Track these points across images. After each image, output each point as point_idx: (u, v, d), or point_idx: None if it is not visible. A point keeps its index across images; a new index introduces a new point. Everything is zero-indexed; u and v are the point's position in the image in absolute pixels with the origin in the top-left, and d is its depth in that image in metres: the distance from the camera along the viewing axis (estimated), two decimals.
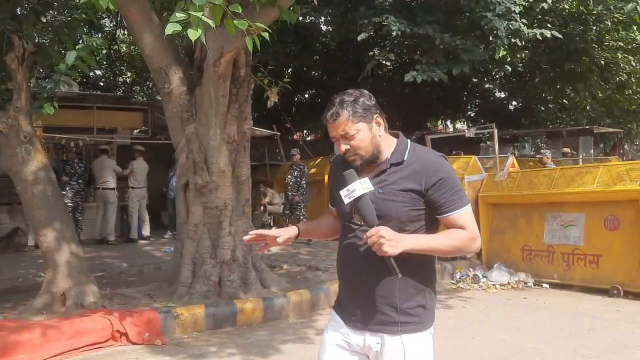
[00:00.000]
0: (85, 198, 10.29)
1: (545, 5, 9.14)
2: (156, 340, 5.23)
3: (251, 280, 6.33)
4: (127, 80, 14.39)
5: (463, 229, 1.99)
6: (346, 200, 1.99)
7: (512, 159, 8.95)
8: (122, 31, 12.96)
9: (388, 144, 2.08)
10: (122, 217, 10.89)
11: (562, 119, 15.76)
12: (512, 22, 9.08)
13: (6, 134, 5.69)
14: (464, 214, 2.00)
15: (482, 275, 7.75)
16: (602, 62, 10.14)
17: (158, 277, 7.33)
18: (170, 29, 3.63)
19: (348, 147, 2.02)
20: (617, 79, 10.87)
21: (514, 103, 16.55)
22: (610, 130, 13.02)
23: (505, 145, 18.03)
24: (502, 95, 17.28)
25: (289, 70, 13.56)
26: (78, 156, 10.40)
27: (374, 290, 2.02)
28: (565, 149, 14.48)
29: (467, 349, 4.94)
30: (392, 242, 1.86)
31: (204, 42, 3.76)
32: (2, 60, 5.65)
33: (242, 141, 6.20)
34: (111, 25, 12.22)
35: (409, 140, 2.11)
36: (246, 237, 2.20)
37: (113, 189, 10.10)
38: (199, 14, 3.53)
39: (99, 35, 6.57)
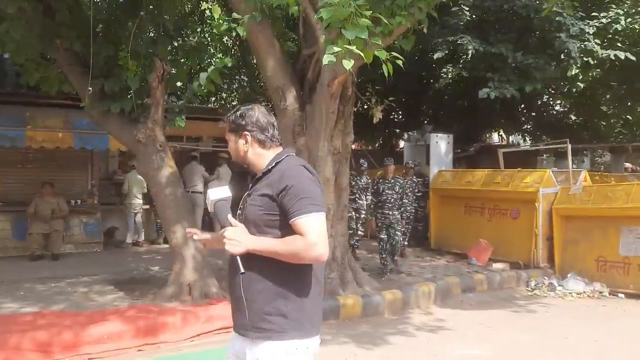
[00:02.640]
0: None
1: (619, 27, 9.51)
2: None
3: (348, 279, 6.95)
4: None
5: (302, 236, 1.99)
6: (209, 209, 2.18)
7: (585, 173, 9.32)
8: None
9: (267, 157, 2.21)
10: (203, 219, 11.68)
11: (623, 134, 15.86)
12: (585, 42, 9.48)
13: (144, 143, 6.52)
14: (306, 221, 1.98)
15: (558, 284, 8.15)
16: None
17: None
18: (327, 59, 4.33)
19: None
20: None
21: (573, 117, 16.69)
22: None
23: (564, 159, 18.19)
24: (560, 109, 17.44)
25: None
26: None
27: (239, 293, 2.07)
28: (627, 164, 14.66)
29: (565, 347, 5.42)
30: (234, 241, 1.99)
31: (351, 71, 4.37)
32: (142, 78, 6.47)
33: (345, 153, 6.87)
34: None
35: (286, 154, 2.20)
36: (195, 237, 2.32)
37: (201, 192, 10.90)
38: (353, 47, 4.20)
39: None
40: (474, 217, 10.08)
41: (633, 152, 13.41)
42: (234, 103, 15.01)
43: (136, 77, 6.38)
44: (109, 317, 5.52)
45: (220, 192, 2.17)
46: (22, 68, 7.79)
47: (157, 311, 5.76)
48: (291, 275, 2.04)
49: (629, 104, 11.78)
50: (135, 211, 10.49)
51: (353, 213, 9.17)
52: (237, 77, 14.54)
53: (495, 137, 23.29)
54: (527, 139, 20.19)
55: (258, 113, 2.23)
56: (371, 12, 4.40)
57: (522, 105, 16.43)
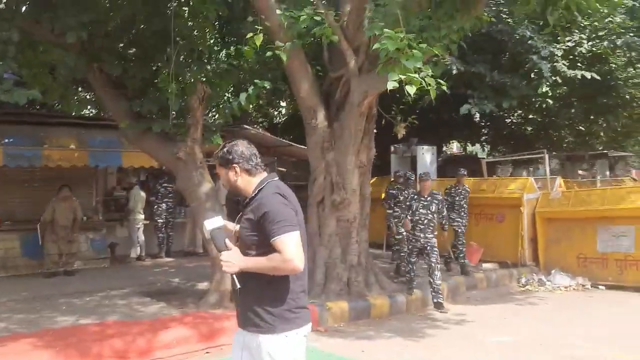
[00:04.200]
0: (174, 216, 11.34)
1: (584, 50, 10.75)
2: (318, 328, 6.44)
3: (371, 281, 7.59)
4: None
5: (279, 253, 2.37)
6: (206, 236, 2.58)
7: (560, 180, 10.41)
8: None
9: (254, 183, 2.57)
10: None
11: (574, 144, 17.38)
12: (555, 63, 10.63)
13: (184, 160, 6.92)
14: (280, 241, 2.36)
15: (546, 280, 9.12)
16: (627, 97, 11.82)
17: None
18: (390, 85, 4.97)
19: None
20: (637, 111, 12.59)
21: (529, 129, 18.07)
22: (625, 154, 14.68)
23: (520, 167, 19.62)
24: (515, 120, 18.79)
25: None
26: (167, 177, 11.39)
27: (242, 298, 2.54)
28: (580, 171, 16.12)
29: (581, 330, 6.28)
30: (229, 263, 2.39)
31: (410, 94, 5.00)
32: (183, 99, 6.89)
33: (368, 165, 7.53)
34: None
35: (268, 180, 2.56)
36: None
37: None
38: (415, 75, 4.87)
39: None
40: None
41: (589, 160, 14.84)
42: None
43: (177, 98, 6.78)
44: (170, 324, 5.90)
45: (215, 222, 2.53)
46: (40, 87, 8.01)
47: (211, 317, 6.18)
48: (272, 282, 2.45)
49: (592, 117, 13.13)
50: (138, 226, 10.71)
51: (403, 232, 8.38)
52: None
53: (454, 148, 24.63)
54: (485, 148, 21.59)
55: (242, 147, 2.61)
56: (425, 45, 5.08)
57: (485, 119, 17.66)
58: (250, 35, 6.29)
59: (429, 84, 5.16)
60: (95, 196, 10.52)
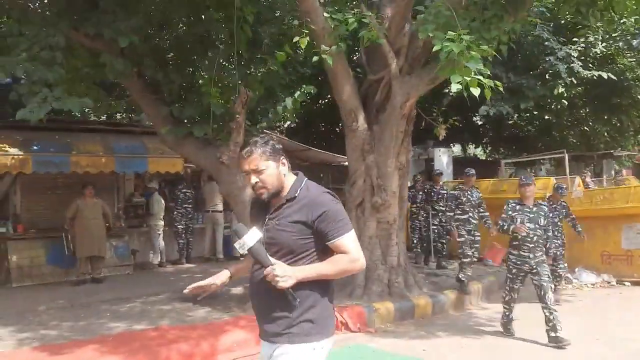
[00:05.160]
0: (193, 222, 11.24)
1: (598, 51, 10.98)
2: (368, 328, 6.46)
3: (411, 282, 7.63)
4: None
5: (345, 253, 2.28)
6: (241, 251, 2.28)
7: (579, 180, 10.58)
8: None
9: (289, 182, 2.38)
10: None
11: (576, 145, 17.66)
12: (571, 64, 10.84)
13: (227, 164, 6.91)
14: (345, 240, 2.27)
15: (573, 277, 9.25)
16: (639, 97, 12.11)
17: None
18: (454, 87, 5.04)
19: (257, 180, 2.34)
20: None
21: (531, 129, 18.30)
22: (631, 153, 15.02)
23: (522, 168, 19.86)
24: (517, 121, 19.02)
25: None
26: (185, 183, 11.30)
27: (269, 308, 2.33)
28: (585, 171, 16.39)
29: (627, 325, 6.39)
30: (285, 277, 2.17)
31: (476, 96, 5.08)
32: (224, 104, 6.89)
33: (407, 167, 7.59)
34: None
35: (305, 179, 2.41)
36: (186, 291, 2.48)
37: (222, 211, 11.20)
38: (480, 77, 4.95)
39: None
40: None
41: (590, 160, 15.15)
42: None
43: (219, 102, 6.78)
44: (226, 328, 5.90)
45: (254, 236, 2.26)
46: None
47: None
48: (317, 290, 2.31)
49: (605, 117, 13.41)
50: (160, 232, 10.63)
51: (466, 235, 7.80)
52: None
53: (456, 150, 24.85)
54: (486, 150, 21.84)
55: (277, 139, 2.61)
56: (486, 47, 5.16)
57: (488, 121, 17.85)
58: (296, 38, 6.33)
59: (489, 85, 5.28)
60: (117, 202, 10.41)
